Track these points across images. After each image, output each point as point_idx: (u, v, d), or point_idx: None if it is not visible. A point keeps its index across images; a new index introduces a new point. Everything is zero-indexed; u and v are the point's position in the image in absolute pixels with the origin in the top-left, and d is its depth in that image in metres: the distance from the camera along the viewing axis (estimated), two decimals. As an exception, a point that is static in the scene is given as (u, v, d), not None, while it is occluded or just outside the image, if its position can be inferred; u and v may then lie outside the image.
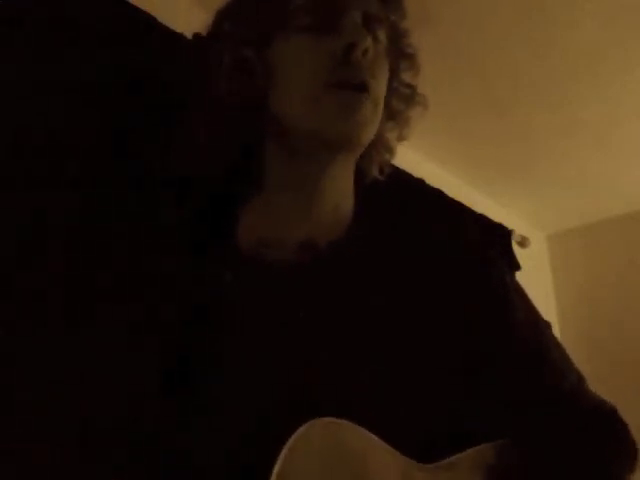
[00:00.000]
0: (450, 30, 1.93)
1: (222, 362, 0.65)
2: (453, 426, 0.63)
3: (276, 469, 0.49)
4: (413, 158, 2.51)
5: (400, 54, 0.77)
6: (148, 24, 1.18)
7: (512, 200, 3.08)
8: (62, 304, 0.87)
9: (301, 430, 0.52)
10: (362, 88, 0.67)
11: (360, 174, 0.79)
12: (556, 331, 2.95)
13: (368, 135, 0.70)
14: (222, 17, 0.76)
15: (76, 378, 0.75)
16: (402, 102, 0.78)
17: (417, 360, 0.63)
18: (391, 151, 0.81)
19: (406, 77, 0.78)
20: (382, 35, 0.72)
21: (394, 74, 0.76)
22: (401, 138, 0.80)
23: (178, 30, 1.21)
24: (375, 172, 0.81)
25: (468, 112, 2.40)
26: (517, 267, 2.42)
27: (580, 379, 0.72)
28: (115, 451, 0.64)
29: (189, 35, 1.14)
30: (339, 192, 0.74)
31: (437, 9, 1.84)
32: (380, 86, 0.71)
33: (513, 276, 0.75)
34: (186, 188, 0.82)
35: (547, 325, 0.73)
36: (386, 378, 0.62)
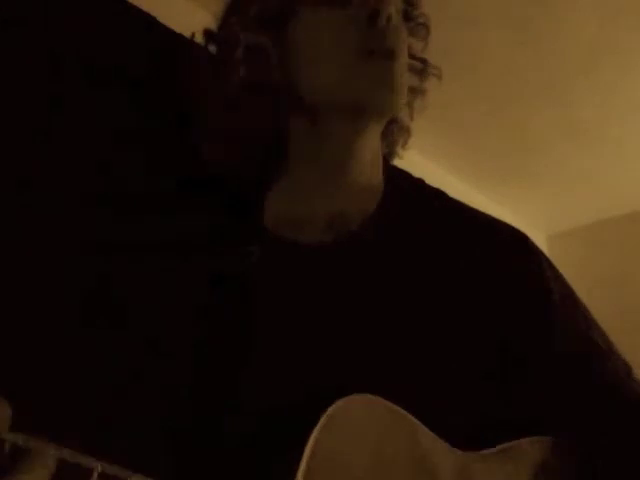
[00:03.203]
0: (451, 32, 1.93)
1: (252, 345, 0.64)
2: (488, 418, 0.62)
3: (312, 437, 0.50)
4: (413, 158, 2.51)
5: (412, 25, 0.76)
6: (148, 24, 1.18)
7: (512, 200, 3.08)
8: (99, 302, 0.87)
9: (339, 403, 0.52)
10: (392, 55, 0.67)
11: (384, 155, 0.78)
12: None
13: (402, 101, 0.70)
14: (232, 6, 0.76)
15: (108, 367, 0.75)
16: (416, 76, 0.77)
17: (453, 347, 0.62)
18: (406, 127, 0.80)
19: (417, 49, 0.77)
20: (398, 4, 0.71)
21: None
22: (413, 113, 0.79)
23: (178, 30, 1.21)
24: (399, 150, 0.80)
25: (468, 112, 2.40)
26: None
27: (627, 367, 0.69)
28: (148, 437, 0.64)
29: (189, 35, 1.14)
30: (369, 163, 0.73)
31: (437, 10, 1.84)
32: (405, 53, 0.70)
33: (550, 263, 0.73)
34: (208, 185, 0.81)
35: (589, 314, 0.71)
36: (420, 365, 0.61)
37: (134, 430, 0.65)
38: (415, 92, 0.77)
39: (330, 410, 0.51)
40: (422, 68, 0.77)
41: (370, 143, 0.72)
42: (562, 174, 2.90)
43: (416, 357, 0.61)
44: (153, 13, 1.20)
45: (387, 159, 0.81)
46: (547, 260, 0.71)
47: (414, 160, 2.56)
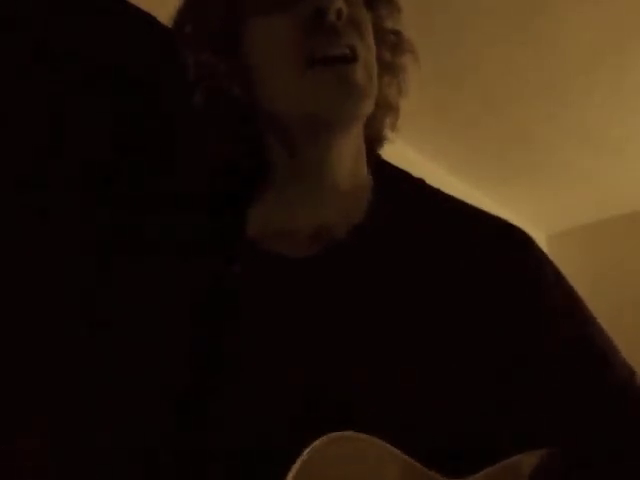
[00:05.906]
0: (451, 32, 1.93)
1: (236, 362, 0.63)
2: (484, 435, 0.58)
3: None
4: (414, 158, 2.51)
5: (376, 3, 0.70)
6: (148, 24, 1.18)
7: (512, 200, 3.09)
8: (90, 310, 0.87)
9: (316, 443, 0.48)
10: (348, 57, 0.62)
11: (371, 143, 0.74)
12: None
13: (368, 104, 0.65)
14: (180, 19, 0.73)
15: (90, 379, 0.75)
16: (389, 51, 0.71)
17: (445, 363, 0.60)
18: (395, 108, 0.74)
19: (388, 23, 0.71)
20: None
21: (376, 22, 0.69)
22: (401, 91, 0.73)
23: (178, 30, 1.21)
24: (388, 135, 0.75)
25: (468, 112, 2.40)
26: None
27: (630, 370, 0.66)
28: (147, 437, 0.64)
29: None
30: (349, 170, 0.70)
31: (438, 11, 1.84)
32: (368, 44, 0.65)
33: (552, 265, 0.69)
34: (208, 186, 0.81)
35: (591, 315, 0.68)
36: (410, 380, 0.58)
37: (132, 431, 0.65)
38: (392, 68, 0.71)
39: (305, 453, 0.47)
40: (396, 42, 0.71)
41: (346, 150, 0.69)
42: (562, 174, 2.90)
43: (415, 365, 0.59)
44: (153, 13, 1.20)
45: (379, 156, 0.78)
46: (550, 261, 0.69)
47: (414, 160, 2.56)
